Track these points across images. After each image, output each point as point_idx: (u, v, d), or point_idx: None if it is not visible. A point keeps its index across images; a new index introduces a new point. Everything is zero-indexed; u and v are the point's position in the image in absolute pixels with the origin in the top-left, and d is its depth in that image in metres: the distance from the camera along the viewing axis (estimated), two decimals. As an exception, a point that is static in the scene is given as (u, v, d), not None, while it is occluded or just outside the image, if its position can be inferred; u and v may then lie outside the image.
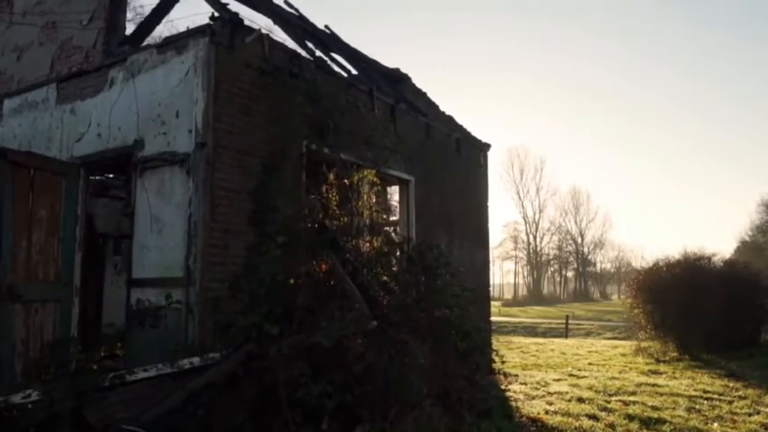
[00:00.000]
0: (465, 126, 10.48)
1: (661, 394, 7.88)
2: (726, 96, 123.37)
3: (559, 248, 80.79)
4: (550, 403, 6.89)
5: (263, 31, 5.92)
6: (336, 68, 7.67)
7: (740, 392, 8.12)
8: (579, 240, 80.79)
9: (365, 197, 6.23)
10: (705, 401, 7.43)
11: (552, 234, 79.66)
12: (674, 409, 6.91)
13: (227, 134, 5.47)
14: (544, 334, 24.35)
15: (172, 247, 5.41)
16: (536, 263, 77.82)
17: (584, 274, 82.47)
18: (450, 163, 9.34)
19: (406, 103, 9.01)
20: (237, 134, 5.57)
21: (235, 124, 5.56)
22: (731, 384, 8.92)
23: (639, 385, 8.63)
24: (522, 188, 77.81)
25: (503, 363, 12.60)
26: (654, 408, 6.88)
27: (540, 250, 78.46)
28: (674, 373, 10.25)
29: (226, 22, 5.52)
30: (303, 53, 6.84)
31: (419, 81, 10.60)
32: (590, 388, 8.09)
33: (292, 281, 5.29)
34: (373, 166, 6.72)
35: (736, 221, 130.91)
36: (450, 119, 10.29)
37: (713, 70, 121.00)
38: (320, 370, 4.65)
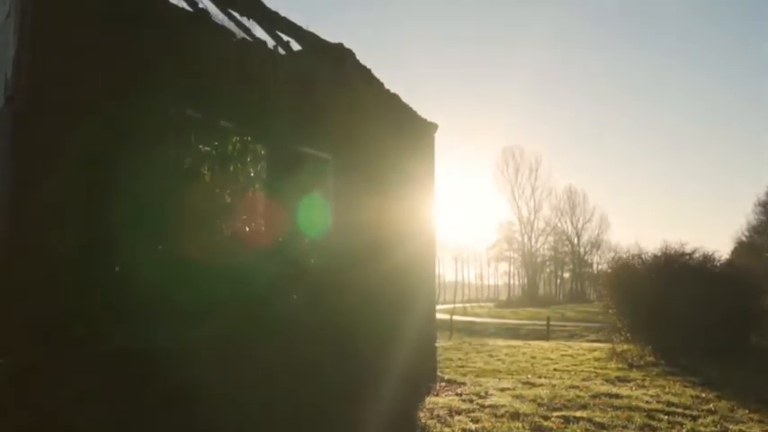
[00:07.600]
0: (412, 105, 9.45)
1: (617, 408, 6.80)
2: (725, 96, 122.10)
3: (555, 249, 79.64)
4: (476, 420, 5.80)
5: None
6: (241, 33, 6.62)
7: (710, 405, 7.04)
8: (575, 241, 79.66)
9: (243, 173, 5.16)
10: (665, 417, 6.35)
11: (548, 235, 78.62)
12: (624, 427, 5.84)
13: (53, 89, 4.39)
14: (526, 336, 23.28)
15: (-17, 230, 4.35)
16: (531, 264, 76.67)
17: (580, 275, 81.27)
18: (387, 143, 8.27)
19: (334, 74, 7.94)
20: (69, 91, 4.49)
21: (65, 77, 4.47)
22: (703, 395, 7.84)
23: (597, 396, 7.55)
24: (517, 188, 76.78)
25: (461, 367, 11.59)
26: (600, 426, 5.81)
27: (536, 251, 77.36)
28: (643, 380, 9.17)
29: (53, -47, 4.45)
30: (183, 4, 5.78)
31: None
32: (534, 400, 7.00)
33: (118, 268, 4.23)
34: (271, 139, 5.66)
35: (733, 222, 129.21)
36: (395, 97, 9.23)
37: (714, 67, 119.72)
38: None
